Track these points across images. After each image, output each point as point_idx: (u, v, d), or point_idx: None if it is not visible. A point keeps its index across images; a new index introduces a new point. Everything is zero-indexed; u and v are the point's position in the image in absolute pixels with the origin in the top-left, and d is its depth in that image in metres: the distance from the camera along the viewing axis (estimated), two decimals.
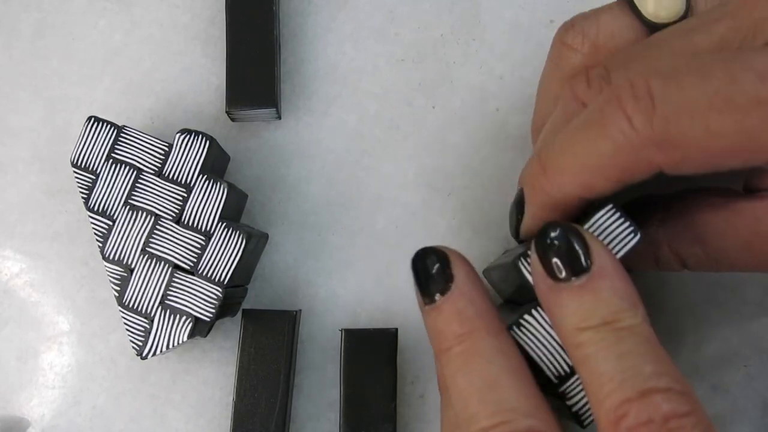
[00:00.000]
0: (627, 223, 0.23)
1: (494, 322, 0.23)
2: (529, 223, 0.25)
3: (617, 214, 0.23)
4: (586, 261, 0.21)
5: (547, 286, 0.22)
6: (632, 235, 0.23)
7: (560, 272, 0.21)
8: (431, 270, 0.23)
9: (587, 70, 0.23)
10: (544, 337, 0.23)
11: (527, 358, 0.23)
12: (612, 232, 0.23)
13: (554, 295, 0.21)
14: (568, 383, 0.23)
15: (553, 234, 0.22)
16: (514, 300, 0.28)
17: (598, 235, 0.23)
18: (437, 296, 0.23)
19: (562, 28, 0.25)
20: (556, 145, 0.22)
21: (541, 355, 0.23)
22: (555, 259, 0.21)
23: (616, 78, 0.22)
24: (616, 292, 0.21)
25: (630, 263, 0.23)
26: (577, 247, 0.21)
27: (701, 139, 0.19)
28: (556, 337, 0.23)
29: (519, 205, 0.25)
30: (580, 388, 0.23)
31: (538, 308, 0.23)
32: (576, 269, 0.21)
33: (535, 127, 0.28)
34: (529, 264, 0.23)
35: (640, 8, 0.24)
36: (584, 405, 0.23)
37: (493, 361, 0.21)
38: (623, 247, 0.23)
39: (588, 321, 0.20)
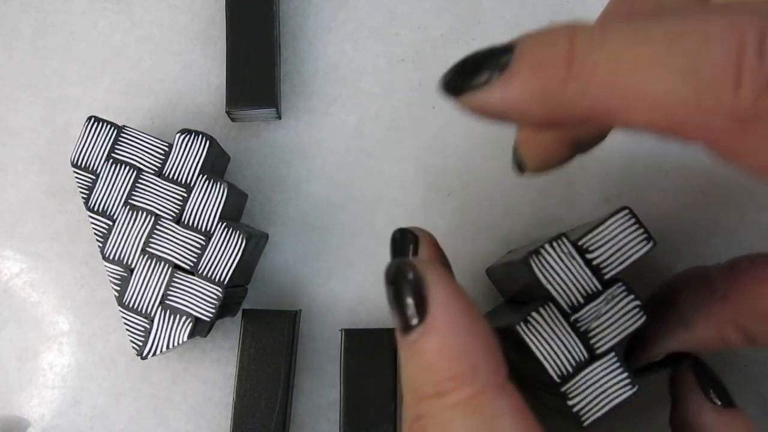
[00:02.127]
0: (641, 230, 0.23)
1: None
2: (494, 97, 0.17)
3: (632, 220, 0.23)
4: (417, 312, 0.17)
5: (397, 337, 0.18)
6: (645, 242, 0.23)
7: (399, 320, 0.17)
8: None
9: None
10: (549, 335, 0.23)
11: (531, 357, 0.23)
12: (624, 237, 0.23)
13: (399, 349, 0.18)
14: (571, 383, 0.23)
15: (389, 272, 0.17)
16: (517, 299, 0.28)
17: (610, 240, 0.23)
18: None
19: None
20: (610, 40, 0.16)
21: (546, 354, 0.23)
22: (394, 306, 0.17)
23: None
24: (447, 353, 0.17)
25: (696, 346, 0.23)
26: (406, 295, 0.17)
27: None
28: (562, 337, 0.23)
29: (494, 61, 0.17)
30: (582, 388, 0.23)
31: (546, 305, 0.23)
32: (406, 322, 0.17)
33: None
34: (540, 262, 0.23)
35: None
36: (585, 405, 0.23)
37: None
38: (635, 254, 0.23)
39: (422, 388, 0.17)
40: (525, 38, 0.17)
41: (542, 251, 0.23)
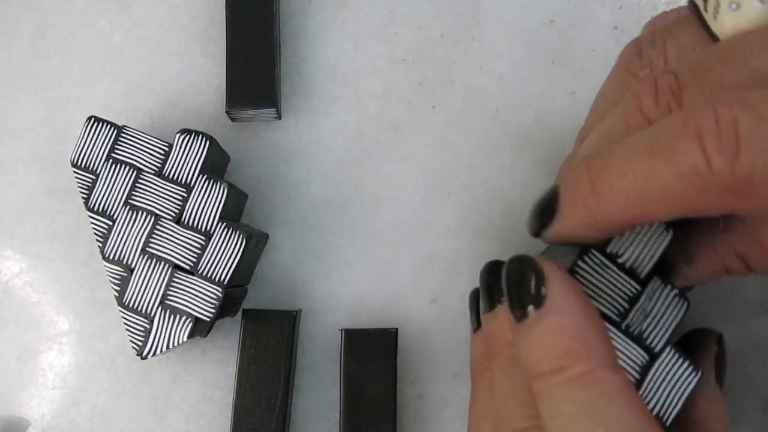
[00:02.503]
0: (686, 363, 0.24)
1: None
2: (558, 231, 0.22)
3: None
4: (537, 294, 0.20)
5: (511, 325, 0.21)
6: (665, 232, 0.24)
7: (517, 309, 0.20)
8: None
9: (655, 80, 0.21)
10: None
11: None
12: (647, 233, 0.24)
13: (515, 334, 0.20)
14: (642, 388, 0.23)
15: (510, 267, 0.21)
16: None
17: (635, 239, 0.24)
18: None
19: (627, 54, 0.23)
20: (613, 161, 0.20)
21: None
22: (513, 294, 0.20)
23: (689, 97, 0.20)
24: (566, 332, 0.19)
25: (699, 280, 0.24)
26: (529, 281, 0.20)
27: None
28: (620, 346, 0.23)
29: (549, 209, 0.22)
30: (654, 390, 0.23)
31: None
32: (524, 305, 0.20)
33: (582, 137, 0.26)
34: (578, 279, 0.23)
35: (714, 30, 0.21)
36: (662, 405, 0.23)
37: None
38: (661, 245, 0.24)
39: (540, 366, 0.19)
40: (563, 179, 0.22)
41: (577, 269, 0.23)
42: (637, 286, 0.24)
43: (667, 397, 0.23)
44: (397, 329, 0.29)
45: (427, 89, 0.33)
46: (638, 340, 0.23)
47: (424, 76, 0.33)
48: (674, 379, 0.23)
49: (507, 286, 0.21)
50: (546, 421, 0.19)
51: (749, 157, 0.17)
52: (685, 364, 0.23)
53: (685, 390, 0.23)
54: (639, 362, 0.23)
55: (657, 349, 0.23)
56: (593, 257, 0.23)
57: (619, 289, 0.23)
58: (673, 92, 0.20)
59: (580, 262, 0.23)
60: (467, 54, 0.33)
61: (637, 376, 0.23)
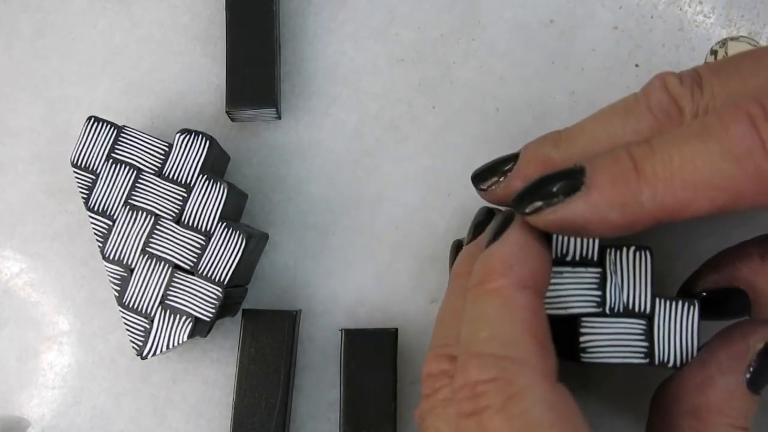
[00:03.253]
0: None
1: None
2: (573, 211, 0.21)
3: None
4: (496, 234, 0.22)
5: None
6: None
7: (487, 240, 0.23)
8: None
9: (677, 73, 0.22)
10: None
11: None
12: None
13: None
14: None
15: (497, 216, 0.23)
16: None
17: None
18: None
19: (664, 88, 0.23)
20: (657, 146, 0.20)
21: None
22: (488, 231, 0.23)
23: (709, 85, 0.21)
24: (500, 256, 0.21)
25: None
26: (499, 224, 0.23)
27: None
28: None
29: (568, 183, 0.21)
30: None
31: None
32: (489, 239, 0.23)
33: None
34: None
35: None
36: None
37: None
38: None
39: (474, 280, 0.22)
40: (592, 160, 0.21)
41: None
42: (597, 270, 0.24)
43: (682, 340, 0.23)
44: (397, 329, 0.29)
45: (427, 89, 0.33)
46: (627, 313, 0.23)
47: (424, 76, 0.33)
48: (678, 323, 0.24)
49: (479, 227, 0.25)
50: (462, 325, 0.22)
51: None
52: (679, 304, 0.24)
53: (692, 324, 0.24)
54: (641, 330, 0.23)
55: (648, 310, 0.23)
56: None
57: (584, 282, 0.24)
58: (694, 80, 0.21)
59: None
60: (467, 54, 0.33)
61: (647, 343, 0.23)
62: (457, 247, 0.28)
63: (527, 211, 0.22)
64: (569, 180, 0.21)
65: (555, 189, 0.21)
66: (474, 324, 0.21)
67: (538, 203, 0.21)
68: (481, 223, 0.26)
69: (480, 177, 0.26)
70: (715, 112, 0.20)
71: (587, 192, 0.20)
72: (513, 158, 0.25)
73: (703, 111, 0.21)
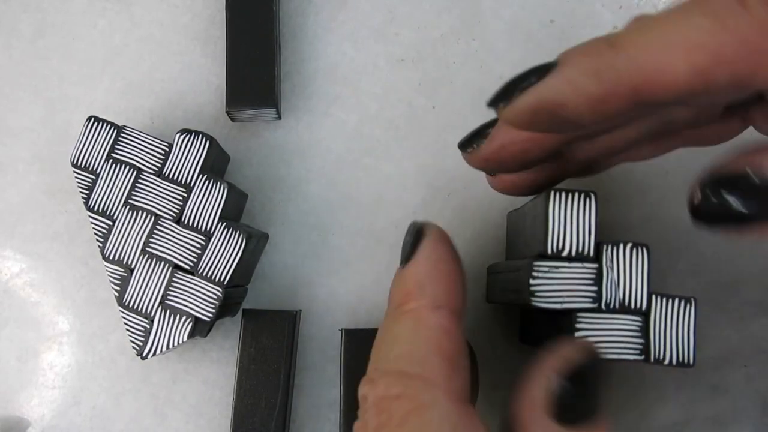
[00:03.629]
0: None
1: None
2: (550, 88, 0.20)
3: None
4: (409, 254, 0.22)
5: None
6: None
7: (402, 261, 0.23)
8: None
9: None
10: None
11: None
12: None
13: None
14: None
15: (408, 229, 0.23)
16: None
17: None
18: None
19: None
20: (634, 23, 0.19)
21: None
22: (402, 251, 0.23)
23: None
24: (413, 277, 0.22)
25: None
26: (407, 241, 0.23)
27: None
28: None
29: (543, 68, 0.20)
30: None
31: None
32: (403, 259, 0.23)
33: None
34: (539, 282, 0.24)
35: None
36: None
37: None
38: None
39: (392, 303, 0.22)
40: (563, 52, 0.20)
41: (534, 288, 0.23)
42: (593, 265, 0.24)
43: (678, 340, 0.23)
44: None
45: (427, 89, 0.33)
46: (624, 309, 0.23)
47: (424, 76, 0.33)
48: (675, 320, 0.23)
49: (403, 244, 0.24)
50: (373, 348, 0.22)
51: None
52: (676, 302, 0.24)
53: (689, 322, 0.24)
54: (637, 327, 0.23)
55: (644, 306, 0.23)
56: (540, 267, 0.23)
57: (580, 278, 0.24)
58: None
59: (532, 281, 0.23)
60: (467, 54, 0.33)
61: (642, 340, 0.23)
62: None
63: (503, 102, 0.20)
64: (542, 68, 0.20)
65: (528, 76, 0.20)
66: (387, 344, 0.21)
67: (512, 94, 0.20)
68: (407, 243, 0.25)
69: (466, 141, 0.25)
70: None
71: (559, 68, 0.19)
72: (496, 120, 0.24)
73: None
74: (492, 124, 0.24)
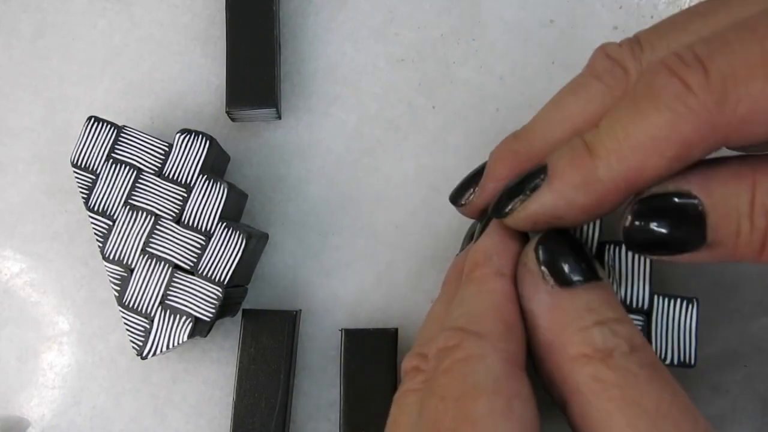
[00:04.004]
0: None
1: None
2: (543, 201, 0.22)
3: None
4: (480, 233, 0.25)
5: None
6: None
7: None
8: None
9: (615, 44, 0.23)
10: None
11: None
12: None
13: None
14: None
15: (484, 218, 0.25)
16: None
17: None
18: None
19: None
20: (603, 126, 0.21)
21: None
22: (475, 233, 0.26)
23: (648, 44, 0.22)
24: (483, 249, 0.24)
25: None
26: (474, 223, 0.25)
27: (761, 96, 0.18)
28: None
29: (534, 176, 0.22)
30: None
31: None
32: (476, 238, 0.25)
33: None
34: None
35: None
36: None
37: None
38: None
39: (464, 273, 0.24)
40: (552, 155, 0.22)
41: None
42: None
43: (680, 340, 0.23)
44: (397, 329, 0.29)
45: (427, 89, 0.33)
46: (626, 309, 0.23)
47: (424, 76, 0.33)
48: (676, 320, 0.24)
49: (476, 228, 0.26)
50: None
51: (718, 70, 0.18)
52: (678, 302, 0.24)
53: (690, 322, 0.24)
54: (639, 326, 0.23)
55: (646, 306, 0.23)
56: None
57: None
58: (632, 41, 0.22)
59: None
60: (467, 54, 0.33)
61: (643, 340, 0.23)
62: (471, 235, 0.29)
63: (504, 213, 0.23)
64: (533, 177, 0.22)
65: (523, 189, 0.22)
66: (454, 307, 0.23)
67: (510, 205, 0.23)
68: (472, 235, 0.27)
69: (457, 195, 0.27)
70: (640, 75, 0.21)
71: (549, 182, 0.22)
72: (482, 168, 0.26)
73: (647, 66, 0.22)
74: (478, 172, 0.26)
